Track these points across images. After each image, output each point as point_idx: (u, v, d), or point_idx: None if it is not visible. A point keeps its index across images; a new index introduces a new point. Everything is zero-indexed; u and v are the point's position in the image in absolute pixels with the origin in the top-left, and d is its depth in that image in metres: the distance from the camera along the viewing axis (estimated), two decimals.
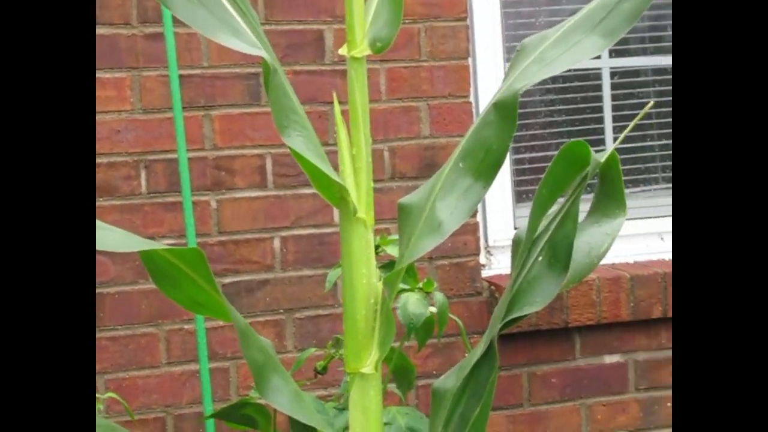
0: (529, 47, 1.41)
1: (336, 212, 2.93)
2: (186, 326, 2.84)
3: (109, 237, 1.36)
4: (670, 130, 3.36)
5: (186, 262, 1.37)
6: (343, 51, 1.41)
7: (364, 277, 1.44)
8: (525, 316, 1.41)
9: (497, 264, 3.16)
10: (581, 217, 1.42)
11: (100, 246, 1.32)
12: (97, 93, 2.79)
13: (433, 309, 2.16)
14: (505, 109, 1.35)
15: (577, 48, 1.34)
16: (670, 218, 3.30)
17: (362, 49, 1.42)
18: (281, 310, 2.91)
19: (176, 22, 2.75)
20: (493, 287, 3.03)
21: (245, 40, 1.32)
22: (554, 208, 1.45)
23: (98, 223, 1.40)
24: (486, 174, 1.39)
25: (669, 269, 3.10)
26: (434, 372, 2.99)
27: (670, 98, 3.35)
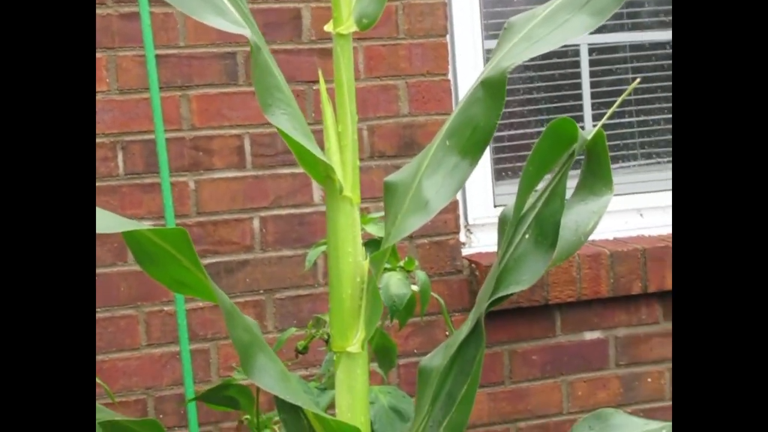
0: (517, 25, 1.40)
1: (315, 192, 2.93)
2: (165, 308, 2.82)
3: None
4: (649, 107, 3.36)
5: (170, 242, 1.36)
6: (328, 28, 1.40)
7: (350, 256, 1.43)
8: (512, 294, 1.41)
9: (477, 242, 3.15)
10: (567, 194, 1.41)
11: None
12: None
13: (415, 288, 2.15)
14: (492, 86, 1.34)
15: (565, 27, 1.34)
16: (649, 194, 3.31)
17: (348, 26, 1.40)
18: (261, 291, 2.90)
19: (152, 1, 2.73)
20: (473, 265, 3.03)
21: (229, 19, 1.31)
22: (541, 185, 1.45)
23: None
24: (473, 151, 1.38)
25: (648, 245, 3.10)
26: (415, 351, 2.99)
27: (648, 74, 3.35)
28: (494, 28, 3.21)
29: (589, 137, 1.41)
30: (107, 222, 1.36)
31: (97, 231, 1.30)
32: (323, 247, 2.16)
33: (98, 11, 2.77)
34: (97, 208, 1.38)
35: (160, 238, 1.33)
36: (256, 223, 2.90)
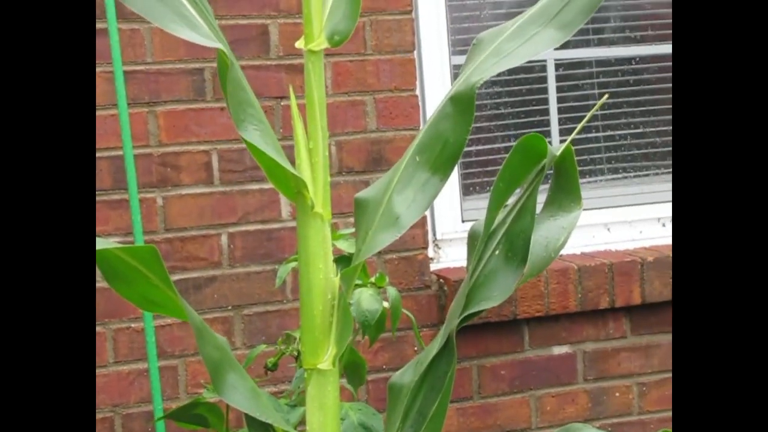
0: (486, 41, 1.41)
1: (284, 208, 2.93)
2: (133, 324, 2.80)
3: None
4: (615, 122, 3.38)
5: (139, 260, 1.35)
6: (300, 44, 1.40)
7: (321, 272, 1.43)
8: (483, 310, 1.41)
9: (445, 257, 3.16)
10: (537, 210, 1.42)
11: None
12: None
13: (386, 304, 2.15)
14: (461, 102, 1.34)
15: (533, 41, 1.34)
16: (616, 209, 3.32)
17: (320, 42, 1.40)
18: (229, 307, 2.89)
19: (119, 17, 2.72)
20: (441, 281, 3.03)
21: (201, 33, 1.30)
22: (511, 201, 1.45)
23: None
24: (443, 167, 1.38)
25: (615, 260, 3.12)
26: (384, 366, 2.99)
27: (614, 89, 3.37)
28: (461, 43, 3.22)
29: (558, 153, 1.42)
30: None
31: None
32: (293, 264, 2.15)
33: None
34: None
35: (130, 256, 1.32)
36: (224, 239, 2.89)
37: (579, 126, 1.50)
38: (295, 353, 2.15)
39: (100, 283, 2.73)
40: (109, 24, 2.65)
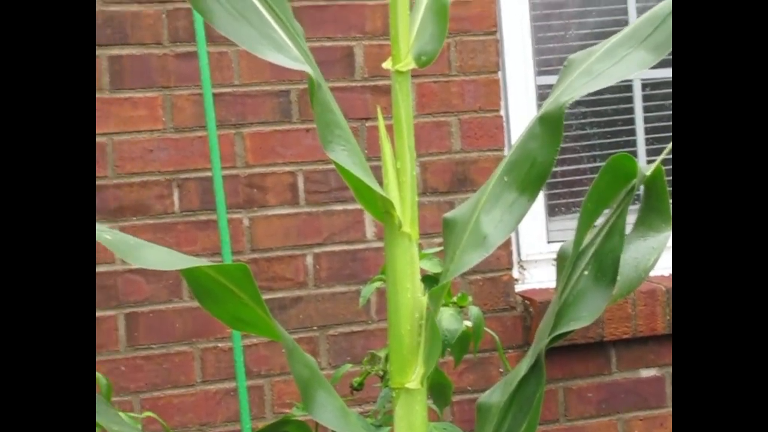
0: (576, 62, 1.41)
1: (368, 228, 2.94)
2: (220, 344, 2.83)
3: (152, 255, 1.35)
4: None
5: (230, 279, 1.36)
6: (387, 65, 1.41)
7: (408, 292, 1.43)
8: (573, 330, 1.40)
9: (531, 278, 3.14)
10: (627, 230, 1.41)
11: (144, 264, 1.31)
12: (130, 113, 2.79)
13: (468, 324, 2.15)
14: (550, 122, 1.34)
15: (624, 62, 1.34)
16: None
17: (407, 63, 1.41)
18: (315, 327, 2.91)
19: (208, 40, 2.76)
20: (527, 302, 3.02)
21: (290, 56, 1.32)
22: (599, 221, 1.44)
23: (140, 241, 1.40)
24: (531, 187, 1.38)
25: None
26: (469, 388, 2.98)
27: None
28: (546, 64, 3.21)
29: (648, 173, 1.41)
30: (166, 258, 1.37)
31: (156, 268, 1.31)
32: (378, 284, 2.16)
33: (155, 51, 2.81)
34: (155, 245, 1.40)
35: (221, 275, 1.33)
36: (309, 260, 2.91)
37: (669, 146, 1.48)
38: (381, 373, 2.16)
39: (188, 302, 2.78)
40: (198, 47, 2.69)
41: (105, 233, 1.31)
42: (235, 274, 1.34)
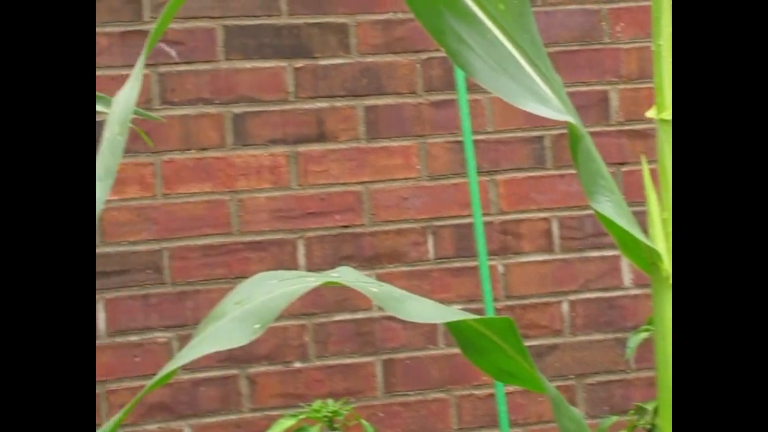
0: None
1: (626, 275, 2.88)
2: (476, 392, 2.83)
3: (419, 308, 1.36)
4: None
5: (495, 332, 1.36)
6: (651, 114, 1.38)
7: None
8: None
9: None
10: None
11: (411, 318, 1.31)
12: (385, 161, 2.85)
13: None
14: None
15: None
16: None
17: (671, 112, 1.37)
18: (571, 376, 2.86)
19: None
20: None
21: (551, 107, 1.31)
22: None
23: (405, 293, 1.41)
24: None
25: None
26: None
27: None
28: None
29: None
30: (432, 311, 1.37)
31: (424, 321, 1.32)
32: (644, 334, 2.11)
33: (409, 100, 2.85)
34: (419, 298, 1.41)
35: (486, 328, 1.33)
36: (565, 307, 2.88)
37: None
38: (648, 426, 2.10)
39: (444, 350, 2.79)
40: (459, 96, 2.71)
41: (371, 286, 1.33)
42: (500, 326, 1.33)
